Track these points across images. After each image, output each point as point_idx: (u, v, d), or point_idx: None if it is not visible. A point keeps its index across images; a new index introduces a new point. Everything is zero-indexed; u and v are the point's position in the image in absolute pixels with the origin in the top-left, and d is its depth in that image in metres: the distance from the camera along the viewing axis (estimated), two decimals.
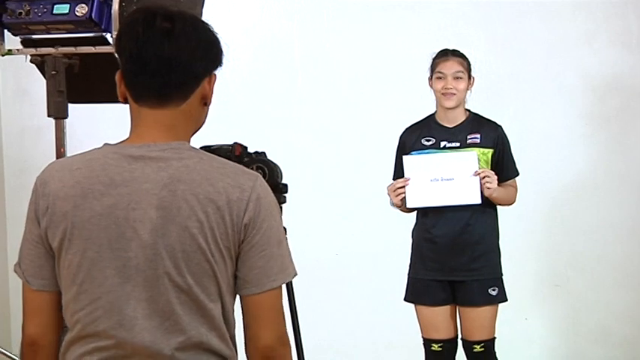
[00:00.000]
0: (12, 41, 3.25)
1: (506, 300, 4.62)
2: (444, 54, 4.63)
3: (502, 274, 4.64)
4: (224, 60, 2.17)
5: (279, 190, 3.00)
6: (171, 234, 2.03)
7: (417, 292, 4.67)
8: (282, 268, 2.13)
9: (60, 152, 3.24)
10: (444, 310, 4.65)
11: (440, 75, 4.57)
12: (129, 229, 2.04)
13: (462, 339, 4.67)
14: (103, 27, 3.10)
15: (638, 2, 5.77)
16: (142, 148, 2.08)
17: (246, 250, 2.08)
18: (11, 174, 6.10)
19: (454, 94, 4.54)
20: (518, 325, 5.73)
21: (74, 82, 3.20)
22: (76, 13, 3.03)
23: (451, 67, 4.56)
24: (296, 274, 2.18)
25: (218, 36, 2.16)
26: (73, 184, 2.06)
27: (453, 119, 4.61)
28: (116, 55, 2.12)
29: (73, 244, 2.06)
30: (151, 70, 2.06)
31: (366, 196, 5.65)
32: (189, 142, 2.15)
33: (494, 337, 4.63)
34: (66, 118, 3.24)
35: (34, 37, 3.21)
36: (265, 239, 2.09)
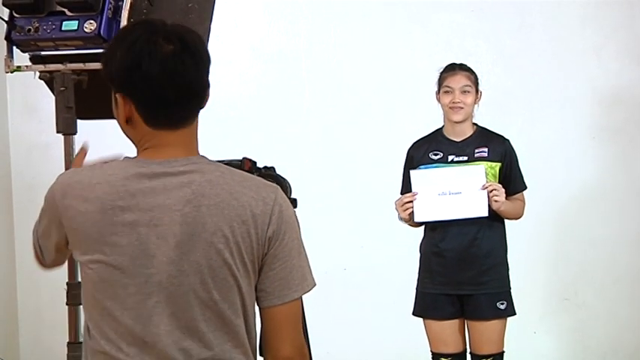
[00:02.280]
0: (21, 58, 3.26)
1: (514, 314, 4.60)
2: (452, 68, 4.63)
3: (510, 288, 4.63)
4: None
5: None
6: (197, 250, 2.03)
7: (426, 306, 4.66)
8: (303, 279, 2.14)
9: (68, 169, 3.25)
10: (452, 324, 4.63)
11: (447, 89, 4.57)
12: (151, 245, 2.03)
13: (470, 353, 4.66)
14: None
15: None
16: (163, 164, 2.07)
17: (268, 262, 2.10)
18: (20, 190, 6.11)
19: (462, 108, 4.55)
20: (526, 339, 5.72)
21: (83, 99, 3.20)
22: (85, 30, 3.04)
23: (459, 81, 4.57)
24: (315, 285, 2.18)
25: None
26: (94, 199, 2.05)
27: (460, 133, 4.61)
28: (112, 75, 2.08)
29: (94, 259, 2.06)
30: (171, 100, 2.05)
31: (374, 209, 5.64)
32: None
33: (503, 351, 4.62)
34: (75, 134, 3.24)
35: (43, 53, 3.21)
36: (287, 251, 2.11)
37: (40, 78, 3.24)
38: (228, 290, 2.06)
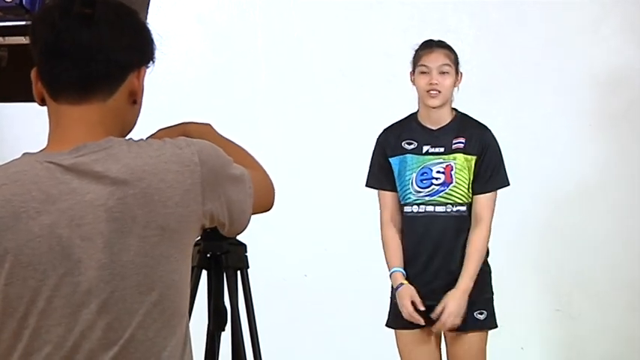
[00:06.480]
0: None
1: (496, 326, 4.65)
2: (429, 45, 4.64)
3: (493, 295, 4.70)
4: (159, 53, 2.17)
5: None
6: (130, 248, 2.01)
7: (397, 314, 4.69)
8: (248, 195, 2.22)
9: None
10: (426, 336, 4.67)
11: (424, 69, 4.57)
12: (76, 249, 1.99)
13: None
14: None
15: None
16: (71, 153, 2.04)
17: (226, 214, 2.16)
18: None
19: (439, 92, 4.54)
20: (513, 356, 5.75)
21: (3, 78, 3.19)
22: None
23: (436, 59, 4.57)
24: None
25: (149, 26, 2.18)
26: (2, 203, 1.99)
27: (437, 120, 4.61)
28: (31, 47, 2.12)
29: (9, 273, 1.99)
30: (70, 60, 2.06)
31: (340, 207, 5.66)
32: None
33: None
34: None
35: None
36: (232, 198, 2.16)
37: None
38: (169, 288, 2.05)
